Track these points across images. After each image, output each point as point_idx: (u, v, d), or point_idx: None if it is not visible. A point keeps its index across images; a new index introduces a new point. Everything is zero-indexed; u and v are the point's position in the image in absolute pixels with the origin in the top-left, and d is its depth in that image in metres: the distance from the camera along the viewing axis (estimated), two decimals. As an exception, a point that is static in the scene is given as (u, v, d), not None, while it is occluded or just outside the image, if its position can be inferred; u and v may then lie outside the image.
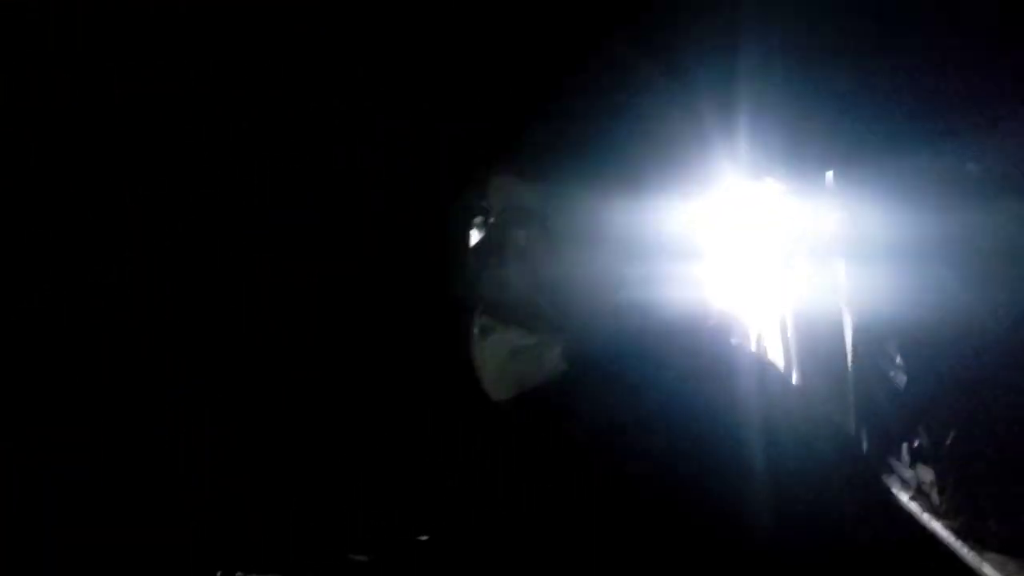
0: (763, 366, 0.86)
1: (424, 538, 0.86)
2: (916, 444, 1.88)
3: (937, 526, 1.76)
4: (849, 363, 2.18)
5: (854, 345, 2.15)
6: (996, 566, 1.57)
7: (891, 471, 1.98)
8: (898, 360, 1.89)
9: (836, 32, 1.87)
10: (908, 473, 1.94)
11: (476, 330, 0.93)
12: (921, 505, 1.86)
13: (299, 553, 1.82)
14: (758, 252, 3.62)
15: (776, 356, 3.27)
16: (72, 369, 2.03)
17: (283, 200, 2.00)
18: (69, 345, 2.04)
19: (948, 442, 1.77)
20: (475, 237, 0.95)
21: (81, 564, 1.99)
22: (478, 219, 0.94)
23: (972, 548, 1.61)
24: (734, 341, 0.88)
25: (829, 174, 2.08)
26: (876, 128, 1.88)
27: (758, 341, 4.56)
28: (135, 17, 2.00)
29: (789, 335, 2.93)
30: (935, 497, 1.83)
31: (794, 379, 2.95)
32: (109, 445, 2.01)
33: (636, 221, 0.86)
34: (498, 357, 0.91)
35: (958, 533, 1.69)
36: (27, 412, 2.04)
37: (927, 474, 1.85)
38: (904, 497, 1.91)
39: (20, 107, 2.05)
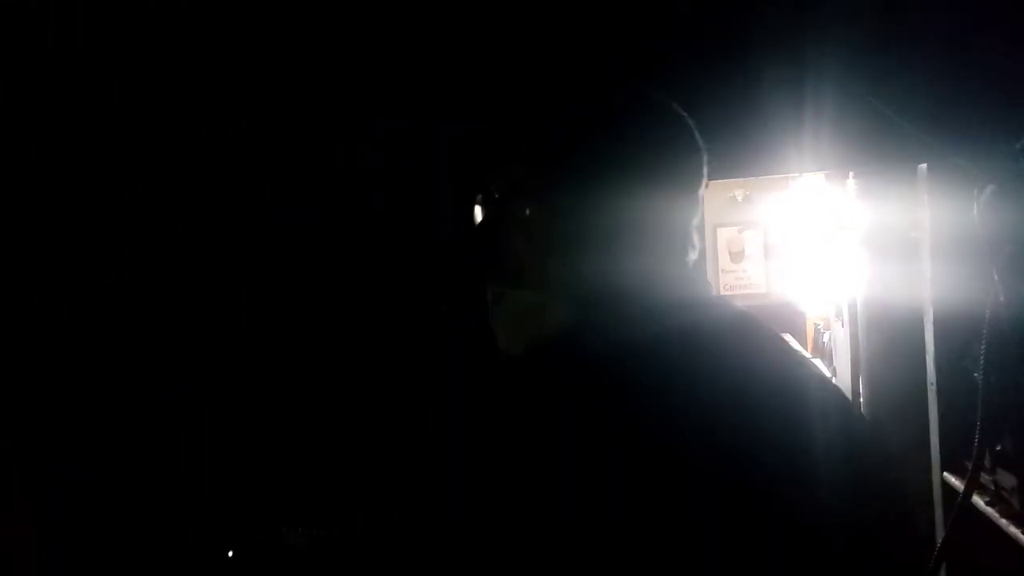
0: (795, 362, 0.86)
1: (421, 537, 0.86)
2: (999, 448, 1.78)
3: (1016, 531, 1.70)
4: (929, 362, 2.04)
5: (936, 343, 2.01)
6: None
7: (969, 475, 1.85)
8: (982, 360, 1.77)
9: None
10: (987, 477, 1.86)
11: (490, 297, 0.98)
12: (999, 511, 1.79)
13: (297, 552, 1.82)
14: (837, 245, 3.50)
15: (844, 352, 3.13)
16: (72, 369, 2.03)
17: (283, 200, 2.00)
18: (69, 345, 2.04)
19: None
20: (480, 214, 0.98)
21: (81, 564, 1.99)
22: (481, 197, 0.97)
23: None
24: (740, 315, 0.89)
25: (922, 167, 1.97)
26: (976, 116, 1.78)
27: (819, 336, 4.38)
28: (135, 17, 2.01)
29: (863, 331, 2.80)
30: (1015, 503, 1.74)
31: (863, 376, 2.84)
32: (109, 445, 2.01)
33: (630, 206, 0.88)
34: (511, 316, 0.96)
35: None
36: (27, 412, 2.04)
37: (1008, 479, 1.77)
38: (981, 502, 1.84)
39: (20, 107, 2.05)
